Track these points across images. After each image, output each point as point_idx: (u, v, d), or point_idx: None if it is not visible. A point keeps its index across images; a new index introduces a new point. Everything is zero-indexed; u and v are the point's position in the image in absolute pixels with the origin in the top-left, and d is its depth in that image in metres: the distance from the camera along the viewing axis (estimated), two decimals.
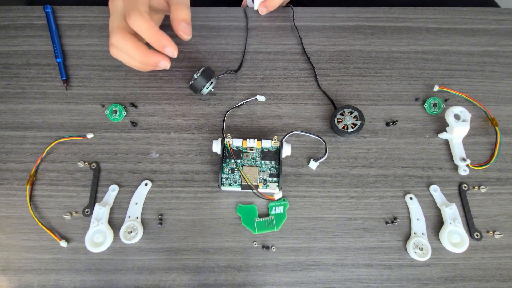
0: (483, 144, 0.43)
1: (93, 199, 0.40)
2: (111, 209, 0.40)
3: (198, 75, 0.41)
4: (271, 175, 0.39)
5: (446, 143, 0.43)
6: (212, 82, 0.43)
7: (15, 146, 0.43)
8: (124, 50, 0.37)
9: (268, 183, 0.39)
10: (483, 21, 0.49)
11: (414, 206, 0.41)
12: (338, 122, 0.42)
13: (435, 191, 0.41)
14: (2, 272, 0.38)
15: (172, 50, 0.37)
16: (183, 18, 0.38)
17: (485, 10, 0.49)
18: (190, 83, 0.42)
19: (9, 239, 0.39)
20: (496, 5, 0.59)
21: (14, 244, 0.39)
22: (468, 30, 0.48)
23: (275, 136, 0.40)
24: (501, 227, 0.40)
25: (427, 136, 0.44)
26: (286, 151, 0.40)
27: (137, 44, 0.37)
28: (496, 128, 0.43)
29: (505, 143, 0.43)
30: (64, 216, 0.40)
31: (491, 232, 0.40)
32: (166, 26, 0.49)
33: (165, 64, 0.39)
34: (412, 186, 0.41)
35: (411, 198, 0.41)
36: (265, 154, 0.40)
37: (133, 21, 0.35)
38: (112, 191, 0.41)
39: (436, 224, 0.40)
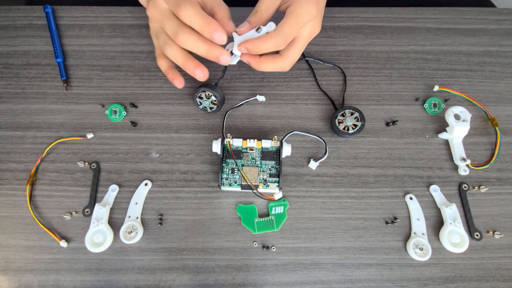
0: (483, 144, 0.43)
1: (93, 199, 0.40)
2: (111, 209, 0.40)
3: (213, 102, 0.42)
4: (271, 175, 0.39)
5: (446, 143, 0.43)
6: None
7: (15, 146, 0.43)
8: (189, 47, 0.35)
9: (268, 183, 0.39)
10: (483, 21, 0.49)
11: (414, 206, 0.41)
12: (339, 123, 0.42)
13: (435, 191, 0.41)
14: (2, 272, 0.38)
15: (221, 35, 0.34)
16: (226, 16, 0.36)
17: (485, 10, 0.49)
18: (211, 110, 0.43)
19: (9, 239, 0.39)
20: (492, 5, 0.59)
21: (14, 244, 0.39)
22: (468, 30, 0.48)
23: (275, 136, 0.40)
24: (501, 227, 0.40)
25: (427, 136, 0.44)
26: (286, 151, 0.40)
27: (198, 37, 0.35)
28: (496, 128, 0.43)
29: (505, 143, 0.43)
30: (64, 216, 0.40)
31: (491, 232, 0.40)
32: None
33: (225, 59, 0.35)
34: (412, 186, 0.42)
35: (411, 198, 0.41)
36: (265, 154, 0.40)
37: (185, 12, 0.33)
38: (112, 191, 0.41)
39: (436, 224, 0.40)
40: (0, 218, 0.40)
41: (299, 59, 0.44)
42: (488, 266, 0.39)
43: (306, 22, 0.36)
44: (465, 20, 0.49)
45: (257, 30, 0.35)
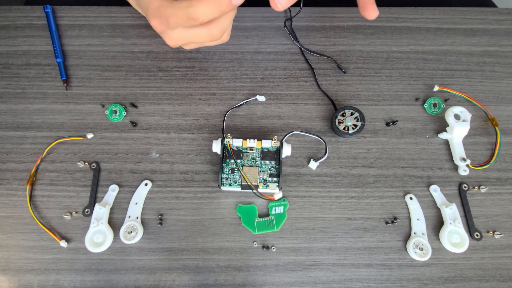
0: (483, 144, 0.43)
1: (93, 199, 0.40)
2: (111, 209, 0.40)
3: None
4: (271, 175, 0.39)
5: (446, 143, 0.43)
6: None
7: (15, 146, 0.43)
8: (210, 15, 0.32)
9: (268, 183, 0.39)
10: (483, 21, 0.49)
11: (414, 206, 0.41)
12: (339, 123, 0.42)
13: (435, 191, 0.41)
14: (2, 272, 0.38)
15: None
16: None
17: (485, 10, 0.49)
18: None
19: (9, 239, 0.39)
20: (494, 5, 0.58)
21: (14, 244, 0.39)
22: (468, 30, 0.48)
23: (275, 136, 0.40)
24: (501, 227, 0.40)
25: (427, 136, 0.44)
26: (286, 151, 0.40)
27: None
28: (496, 128, 0.43)
29: (505, 143, 0.43)
30: (64, 216, 0.40)
31: (491, 232, 0.40)
32: None
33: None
34: (412, 186, 0.42)
35: (411, 198, 0.41)
36: (265, 154, 0.40)
37: (198, 15, 0.31)
38: (112, 191, 0.41)
39: (436, 224, 0.40)
40: (0, 218, 0.40)
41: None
42: (488, 266, 0.39)
43: None
44: (465, 20, 0.49)
45: None
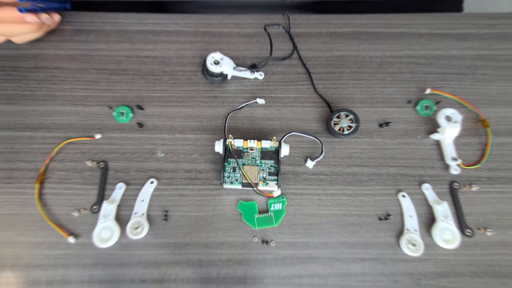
0: (474, 144, 0.44)
1: (101, 197, 0.42)
2: (118, 206, 0.41)
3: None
4: (270, 174, 0.41)
5: (438, 143, 0.45)
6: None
7: (24, 146, 0.44)
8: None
9: (267, 181, 0.40)
10: (475, 26, 0.50)
11: (407, 204, 0.42)
12: (335, 124, 0.43)
13: (427, 189, 0.42)
14: (11, 268, 0.39)
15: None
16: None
17: (478, 15, 0.50)
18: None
19: (18, 236, 0.40)
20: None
21: (23, 240, 0.40)
22: (461, 35, 0.50)
23: (274, 137, 0.42)
24: (492, 225, 0.41)
25: (419, 137, 0.45)
26: (285, 151, 0.41)
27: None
28: (487, 129, 0.44)
29: (496, 143, 0.44)
30: (73, 213, 0.41)
31: (482, 229, 0.41)
32: None
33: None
34: (405, 185, 0.43)
35: (403, 196, 0.42)
36: (265, 154, 0.42)
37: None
38: (119, 189, 0.42)
39: (428, 221, 0.41)
40: (9, 216, 0.41)
41: None
42: (480, 262, 0.40)
43: None
44: (457, 25, 0.50)
45: None
